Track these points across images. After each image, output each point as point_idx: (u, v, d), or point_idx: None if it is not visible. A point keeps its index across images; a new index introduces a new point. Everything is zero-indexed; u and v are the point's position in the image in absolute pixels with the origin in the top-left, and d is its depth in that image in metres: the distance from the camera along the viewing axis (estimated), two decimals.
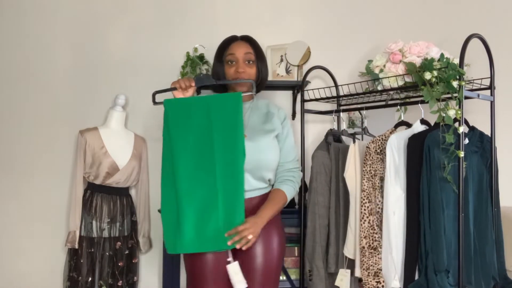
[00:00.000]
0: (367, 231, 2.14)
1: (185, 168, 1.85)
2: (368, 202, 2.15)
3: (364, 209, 2.15)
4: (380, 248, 2.11)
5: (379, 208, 2.15)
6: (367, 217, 2.14)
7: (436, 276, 1.89)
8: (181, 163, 1.85)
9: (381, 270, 2.10)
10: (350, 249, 2.25)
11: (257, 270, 1.84)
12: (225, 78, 2.00)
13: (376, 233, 2.12)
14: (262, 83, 2.06)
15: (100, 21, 2.90)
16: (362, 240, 2.15)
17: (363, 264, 2.13)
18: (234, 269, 1.81)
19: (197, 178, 1.84)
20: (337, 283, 2.28)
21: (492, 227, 2.06)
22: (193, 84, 1.90)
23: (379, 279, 2.09)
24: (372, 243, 2.12)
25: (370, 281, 2.11)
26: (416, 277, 2.00)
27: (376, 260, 2.11)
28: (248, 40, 2.02)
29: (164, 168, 1.93)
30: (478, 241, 2.03)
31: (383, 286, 2.09)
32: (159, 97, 1.97)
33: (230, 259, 1.82)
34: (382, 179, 2.16)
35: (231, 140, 1.83)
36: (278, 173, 1.99)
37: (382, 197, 2.14)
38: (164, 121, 1.92)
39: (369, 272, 2.11)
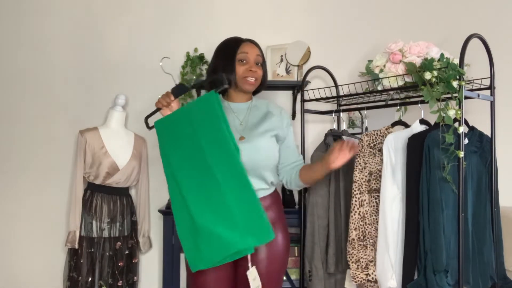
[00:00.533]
0: (357, 222, 2.14)
1: (188, 183, 1.81)
2: (359, 194, 2.16)
3: (355, 201, 2.15)
4: (371, 240, 2.11)
5: (365, 202, 2.15)
6: (358, 209, 2.15)
7: (435, 276, 1.89)
8: (183, 179, 1.83)
9: (371, 262, 2.10)
10: None
11: (260, 271, 1.84)
12: (234, 75, 1.95)
13: (366, 225, 2.13)
14: (264, 84, 2.06)
15: (100, 21, 2.90)
16: (352, 232, 2.14)
17: (352, 257, 2.12)
18: (254, 274, 1.78)
19: (202, 189, 1.79)
20: (346, 285, 2.27)
21: (491, 226, 2.06)
22: (172, 98, 1.89)
23: (368, 271, 2.09)
24: (362, 235, 2.12)
25: (359, 274, 2.10)
26: (415, 276, 2.00)
27: (368, 252, 2.10)
28: (255, 43, 2.03)
29: (171, 190, 1.88)
30: (476, 241, 2.03)
31: (373, 278, 2.08)
32: (152, 119, 1.98)
33: (250, 264, 1.78)
34: (371, 174, 2.17)
35: (219, 139, 1.78)
36: (294, 167, 2.03)
37: (368, 192, 2.15)
38: (159, 142, 1.91)
39: (358, 265, 2.11)
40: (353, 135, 2.63)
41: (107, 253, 2.57)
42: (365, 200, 2.15)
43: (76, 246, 2.53)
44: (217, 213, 1.76)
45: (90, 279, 2.53)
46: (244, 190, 1.76)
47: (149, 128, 1.98)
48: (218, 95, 1.83)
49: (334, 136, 2.52)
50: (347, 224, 2.32)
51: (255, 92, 2.09)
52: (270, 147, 1.94)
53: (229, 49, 1.98)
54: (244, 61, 1.95)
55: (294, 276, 2.66)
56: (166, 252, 2.60)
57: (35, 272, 2.83)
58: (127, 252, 2.64)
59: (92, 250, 2.55)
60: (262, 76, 2.01)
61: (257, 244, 1.76)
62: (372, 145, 2.18)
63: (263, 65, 2.02)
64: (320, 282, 2.36)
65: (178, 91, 1.91)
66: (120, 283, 2.59)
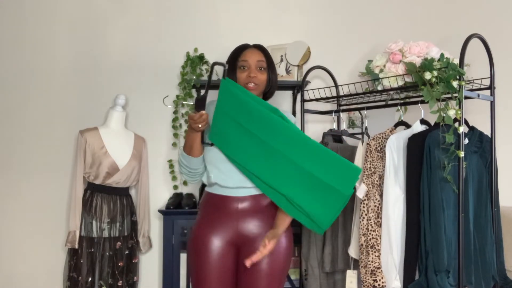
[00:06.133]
0: (365, 228, 2.14)
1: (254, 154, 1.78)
2: (367, 200, 2.15)
3: (363, 207, 2.15)
4: (378, 246, 2.12)
5: (375, 206, 2.15)
6: (366, 215, 2.15)
7: (436, 276, 1.89)
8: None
9: (378, 268, 2.10)
10: (355, 249, 2.25)
11: (263, 270, 1.85)
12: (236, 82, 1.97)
13: (373, 231, 2.13)
14: (272, 91, 2.05)
15: (100, 21, 2.90)
16: (361, 237, 2.15)
17: (362, 262, 2.14)
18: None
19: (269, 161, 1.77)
20: (347, 286, 2.27)
21: (492, 227, 2.06)
22: (204, 112, 1.79)
23: (375, 277, 2.09)
24: (370, 241, 2.12)
25: (368, 279, 2.11)
26: (417, 277, 2.00)
27: (373, 258, 2.11)
28: (260, 48, 2.02)
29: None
30: (478, 241, 2.03)
31: (379, 284, 2.09)
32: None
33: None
34: (380, 177, 2.16)
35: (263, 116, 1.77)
36: None
37: (380, 195, 2.14)
38: (219, 101, 1.83)
39: (366, 270, 2.12)
40: (353, 135, 2.64)
41: (107, 253, 2.57)
42: (371, 206, 2.15)
43: (76, 246, 2.53)
44: (301, 182, 1.76)
45: (90, 279, 2.53)
46: (310, 148, 1.73)
47: (224, 76, 1.84)
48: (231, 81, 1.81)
49: (333, 136, 2.52)
50: (344, 224, 2.32)
51: (266, 98, 2.09)
52: None
53: (233, 56, 2.00)
54: (245, 68, 1.96)
55: (293, 276, 2.65)
56: (166, 252, 2.60)
57: (35, 272, 2.83)
58: (127, 252, 2.64)
59: (92, 250, 2.55)
60: (266, 80, 1.99)
61: (354, 182, 1.71)
62: (379, 148, 2.17)
63: (269, 68, 1.98)
64: (316, 282, 2.35)
65: (202, 102, 1.83)
66: (120, 283, 2.59)
